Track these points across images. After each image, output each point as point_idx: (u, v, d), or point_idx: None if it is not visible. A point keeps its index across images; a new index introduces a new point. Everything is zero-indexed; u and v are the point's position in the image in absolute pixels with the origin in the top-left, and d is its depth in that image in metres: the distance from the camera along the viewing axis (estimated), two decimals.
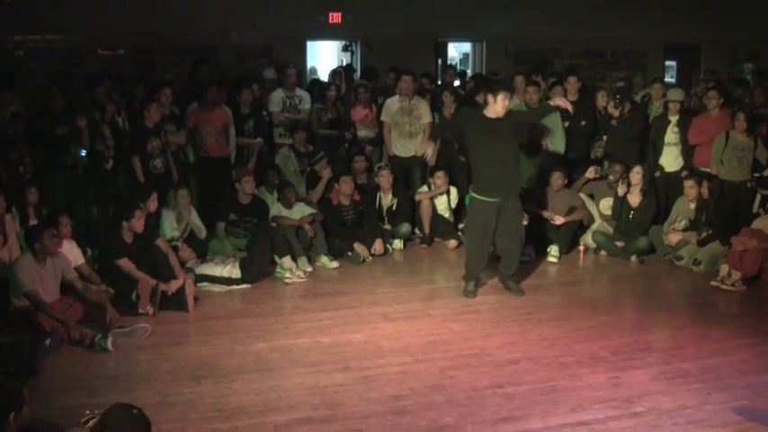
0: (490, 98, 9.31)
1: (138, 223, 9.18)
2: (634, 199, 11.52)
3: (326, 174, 11.88)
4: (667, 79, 18.76)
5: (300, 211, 11.27)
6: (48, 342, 7.47)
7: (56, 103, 10.93)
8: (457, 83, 15.74)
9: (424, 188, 12.12)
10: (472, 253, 9.67)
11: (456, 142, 10.26)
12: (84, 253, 9.21)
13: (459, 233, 11.94)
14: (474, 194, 9.53)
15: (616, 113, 12.15)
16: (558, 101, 9.80)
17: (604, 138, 12.49)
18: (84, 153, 10.68)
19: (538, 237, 11.53)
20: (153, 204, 10.02)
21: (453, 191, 12.15)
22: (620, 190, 11.52)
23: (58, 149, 10.57)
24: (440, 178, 11.98)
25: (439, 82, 15.65)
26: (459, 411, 6.49)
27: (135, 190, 10.57)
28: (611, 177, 11.75)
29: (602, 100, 12.76)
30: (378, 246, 11.34)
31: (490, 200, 9.35)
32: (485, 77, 15.43)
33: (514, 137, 9.45)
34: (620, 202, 11.54)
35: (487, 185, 9.35)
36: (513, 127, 9.41)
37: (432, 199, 11.97)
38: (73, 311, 8.20)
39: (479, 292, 9.71)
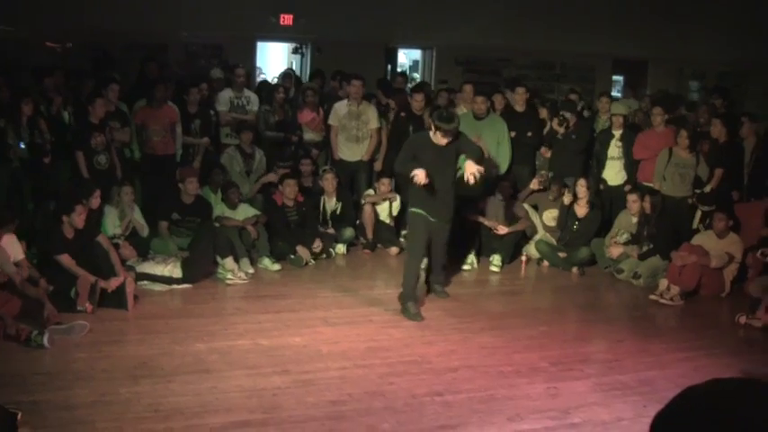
0: (436, 133, 8.99)
1: (78, 219, 9.07)
2: (581, 210, 11.61)
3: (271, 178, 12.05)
4: (614, 94, 18.96)
5: (244, 213, 11.22)
6: None
7: (1, 94, 10.74)
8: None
9: (371, 191, 12.13)
10: (412, 269, 9.30)
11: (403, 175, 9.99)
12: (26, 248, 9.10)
13: (402, 239, 11.97)
14: (415, 209, 9.27)
15: (561, 130, 12.24)
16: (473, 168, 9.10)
17: (543, 150, 12.60)
18: (23, 145, 10.51)
19: (480, 246, 11.59)
20: (95, 201, 9.90)
21: (397, 198, 12.15)
22: (566, 199, 11.62)
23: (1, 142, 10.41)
24: (384, 185, 12.02)
25: None
26: (398, 418, 6.49)
27: (78, 185, 10.45)
28: (549, 197, 11.86)
29: (543, 113, 12.91)
30: (316, 244, 11.30)
31: (431, 219, 9.21)
32: (426, 84, 15.53)
33: (455, 163, 9.35)
34: (566, 212, 11.63)
35: (430, 207, 9.17)
36: (454, 152, 9.23)
37: (374, 205, 11.98)
38: (10, 306, 8.04)
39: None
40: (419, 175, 8.76)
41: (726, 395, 1.81)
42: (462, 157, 9.26)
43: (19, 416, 4.73)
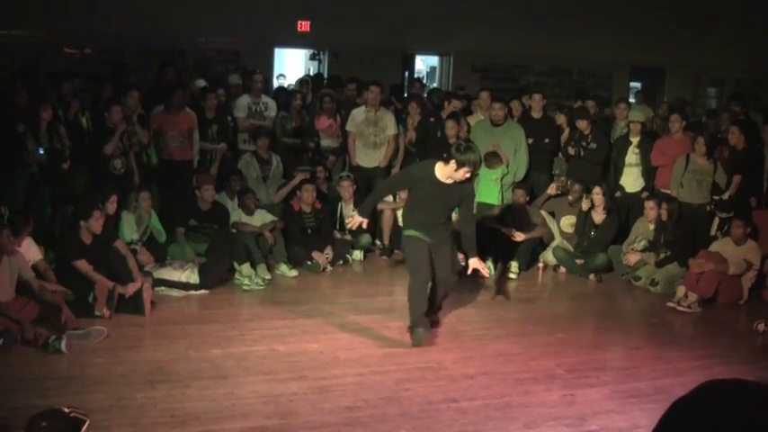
0: (453, 164, 8.09)
1: (96, 224, 9.09)
2: (598, 216, 11.59)
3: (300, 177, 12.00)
4: (631, 100, 18.91)
5: (261, 219, 11.24)
6: (0, 341, 7.40)
7: (19, 98, 10.77)
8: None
9: (389, 198, 12.09)
10: (418, 292, 8.37)
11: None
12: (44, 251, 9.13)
13: None
14: (410, 232, 8.54)
15: (581, 153, 12.20)
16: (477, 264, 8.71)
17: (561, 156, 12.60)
18: (42, 151, 10.54)
19: (498, 253, 11.57)
20: (112, 206, 9.91)
21: None
22: (585, 205, 11.60)
23: (18, 146, 10.43)
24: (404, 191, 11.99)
25: (405, 95, 15.67)
26: (413, 424, 6.48)
27: (94, 190, 10.49)
28: (570, 198, 11.83)
29: (561, 119, 12.90)
30: (327, 251, 11.27)
31: (426, 239, 8.46)
32: (438, 90, 15.58)
33: (453, 204, 8.63)
34: (584, 218, 11.61)
35: (424, 231, 8.45)
36: (457, 197, 8.49)
37: (394, 210, 11.96)
38: (28, 311, 8.08)
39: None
40: (353, 222, 8.94)
41: (715, 400, 1.81)
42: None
43: (86, 424, 4.49)
